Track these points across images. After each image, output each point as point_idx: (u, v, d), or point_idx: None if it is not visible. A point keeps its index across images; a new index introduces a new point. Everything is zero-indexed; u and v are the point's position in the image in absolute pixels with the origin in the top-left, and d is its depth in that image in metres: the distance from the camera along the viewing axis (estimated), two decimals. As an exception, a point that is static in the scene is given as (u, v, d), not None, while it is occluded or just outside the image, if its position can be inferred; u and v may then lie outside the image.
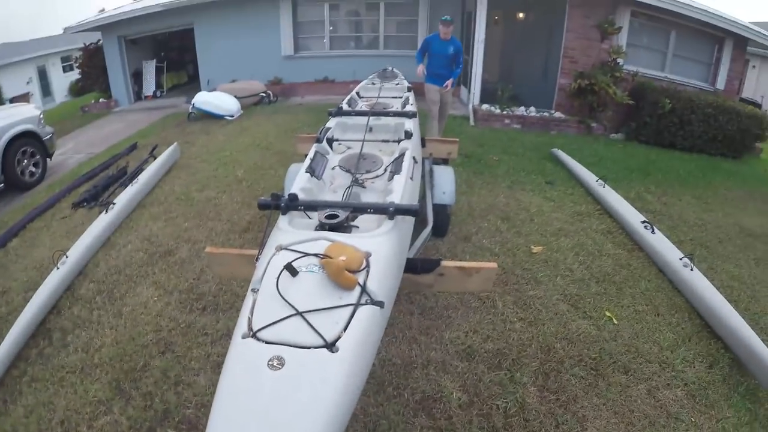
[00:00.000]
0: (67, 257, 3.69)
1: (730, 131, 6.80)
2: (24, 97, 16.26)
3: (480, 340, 2.55)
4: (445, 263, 2.14)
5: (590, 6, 6.95)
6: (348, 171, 2.60)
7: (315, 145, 2.83)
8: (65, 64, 16.70)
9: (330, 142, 3.00)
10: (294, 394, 1.13)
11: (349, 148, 2.98)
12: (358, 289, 1.45)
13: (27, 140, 5.81)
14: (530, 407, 2.16)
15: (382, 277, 1.57)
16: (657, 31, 7.63)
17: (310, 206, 1.97)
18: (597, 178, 4.61)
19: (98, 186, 5.17)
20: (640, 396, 2.27)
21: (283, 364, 1.19)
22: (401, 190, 2.14)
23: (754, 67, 13.80)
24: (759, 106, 12.03)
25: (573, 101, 7.03)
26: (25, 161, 5.82)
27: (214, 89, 8.69)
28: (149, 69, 10.91)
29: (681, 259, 3.14)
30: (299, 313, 1.32)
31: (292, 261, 1.56)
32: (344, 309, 1.38)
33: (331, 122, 3.31)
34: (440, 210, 3.38)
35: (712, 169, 6.30)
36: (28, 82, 17.19)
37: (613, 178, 5.11)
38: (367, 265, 1.56)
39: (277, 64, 9.91)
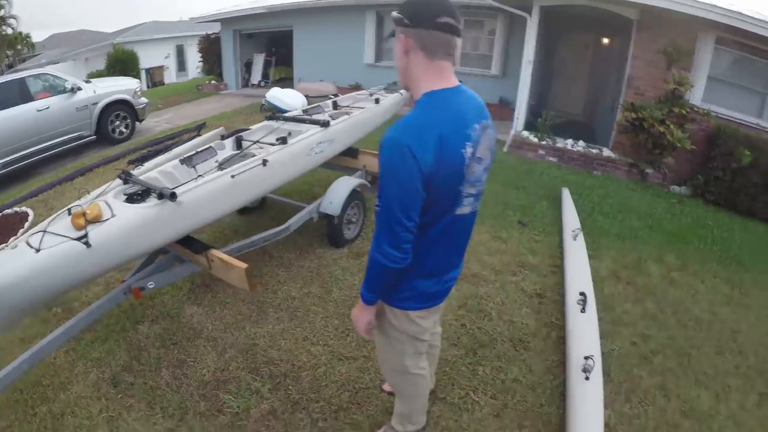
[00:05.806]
0: (89, 193, 4.78)
1: None
2: (159, 69, 19.53)
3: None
4: (213, 252, 2.36)
5: (660, 29, 5.87)
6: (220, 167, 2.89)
7: (215, 142, 3.19)
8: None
9: (239, 140, 3.34)
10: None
11: (261, 148, 3.26)
12: (82, 232, 2.00)
13: (121, 107, 7.34)
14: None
15: (111, 232, 2.09)
16: (755, 66, 6.06)
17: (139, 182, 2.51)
18: (574, 228, 3.91)
19: (151, 151, 6.30)
20: None
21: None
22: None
23: None
24: None
25: (626, 139, 6.10)
26: (117, 122, 7.36)
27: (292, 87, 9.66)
28: (258, 61, 12.49)
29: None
30: (44, 232, 2.03)
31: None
32: (57, 237, 1.99)
33: (260, 124, 3.64)
34: (330, 220, 3.48)
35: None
36: (166, 57, 20.24)
37: (620, 235, 4.27)
38: (101, 222, 2.08)
39: (359, 71, 10.47)
